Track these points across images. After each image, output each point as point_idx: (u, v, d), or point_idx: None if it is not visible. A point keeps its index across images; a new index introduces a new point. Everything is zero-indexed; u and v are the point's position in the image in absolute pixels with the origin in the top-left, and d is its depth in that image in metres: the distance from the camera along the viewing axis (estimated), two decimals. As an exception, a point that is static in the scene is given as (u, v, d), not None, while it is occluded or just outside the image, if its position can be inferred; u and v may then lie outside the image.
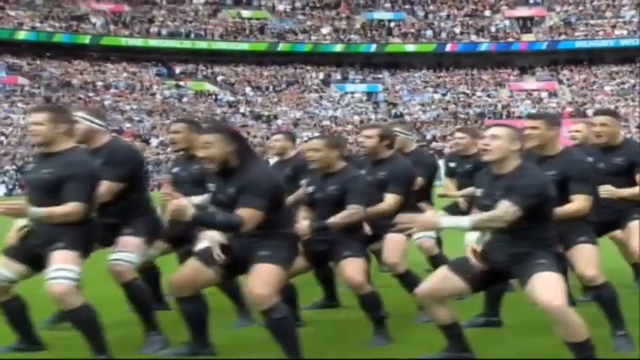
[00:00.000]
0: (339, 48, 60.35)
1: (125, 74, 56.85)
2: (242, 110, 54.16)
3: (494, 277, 5.33)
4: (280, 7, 63.63)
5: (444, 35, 61.08)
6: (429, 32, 61.31)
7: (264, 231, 5.21)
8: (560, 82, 58.74)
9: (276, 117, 52.86)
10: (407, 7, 64.08)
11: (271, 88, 58.07)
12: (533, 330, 6.47)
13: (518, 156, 5.18)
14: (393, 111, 55.11)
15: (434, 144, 47.79)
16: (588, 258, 5.88)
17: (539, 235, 5.07)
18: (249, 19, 61.91)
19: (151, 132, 49.47)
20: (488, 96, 57.74)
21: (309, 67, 60.38)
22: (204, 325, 5.60)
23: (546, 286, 4.86)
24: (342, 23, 62.13)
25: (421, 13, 63.47)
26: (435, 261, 7.86)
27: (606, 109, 6.77)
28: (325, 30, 61.33)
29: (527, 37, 60.60)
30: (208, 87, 57.21)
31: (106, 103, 51.82)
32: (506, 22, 61.87)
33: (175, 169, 6.96)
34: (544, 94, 57.47)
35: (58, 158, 5.26)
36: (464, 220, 5.04)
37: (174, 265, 7.13)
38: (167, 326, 6.07)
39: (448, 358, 5.45)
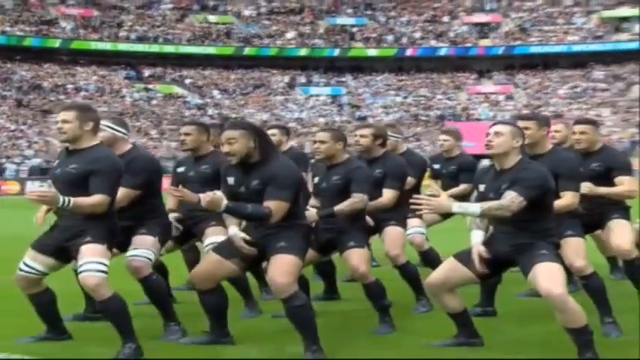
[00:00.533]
0: (303, 52, 60.45)
1: (95, 77, 56.46)
2: (210, 112, 54.02)
3: (498, 266, 5.50)
4: (246, 13, 63.61)
5: (404, 40, 61.33)
6: (390, 37, 61.54)
7: (281, 222, 5.33)
8: (516, 85, 59.17)
9: (243, 119, 52.83)
10: (368, 12, 64.36)
11: (238, 90, 58.02)
12: (524, 318, 6.69)
13: (519, 152, 5.37)
14: (357, 113, 55.28)
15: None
16: (577, 250, 6.15)
17: (540, 226, 5.24)
18: (216, 24, 61.88)
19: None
20: (448, 99, 58.01)
21: (274, 71, 60.36)
22: (223, 315, 5.71)
23: (547, 276, 5.01)
24: (306, 28, 62.26)
25: (382, 19, 63.74)
26: (425, 256, 8.03)
27: (586, 119, 6.99)
28: (290, 35, 61.40)
29: (485, 43, 61.00)
30: (177, 90, 57.01)
31: (77, 105, 51.39)
32: (464, 28, 62.27)
33: (181, 169, 7.05)
34: (501, 97, 57.85)
35: (84, 154, 5.34)
36: (473, 207, 5.17)
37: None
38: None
39: (459, 343, 5.61)
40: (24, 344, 5.71)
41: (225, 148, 5.38)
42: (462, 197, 8.56)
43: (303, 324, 5.27)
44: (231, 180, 5.48)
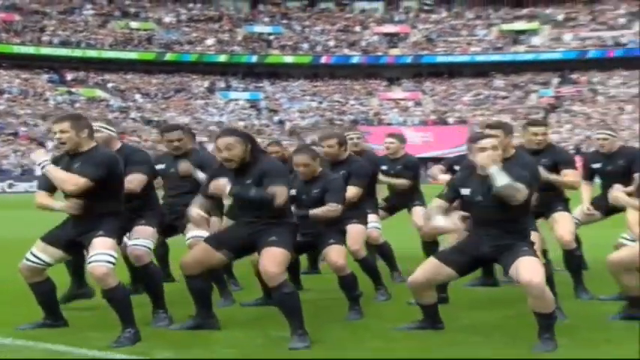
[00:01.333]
0: (222, 58, 60.40)
1: (18, 80, 55.29)
2: (132, 115, 53.55)
3: (477, 263, 5.89)
4: (166, 20, 63.19)
5: (319, 48, 61.88)
6: (306, 45, 61.98)
7: (272, 220, 5.62)
8: (424, 92, 60.29)
9: (165, 122, 52.44)
10: (284, 22, 64.63)
11: (160, 95, 57.62)
12: (475, 305, 7.08)
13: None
14: (275, 117, 55.56)
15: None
16: (568, 224, 7.21)
17: (520, 227, 5.58)
18: (137, 30, 61.26)
19: (46, 135, 48.27)
20: (361, 104, 58.76)
21: (194, 76, 60.16)
22: (209, 299, 5.97)
23: (528, 268, 5.34)
24: (225, 35, 62.20)
25: (298, 28, 64.10)
26: (381, 249, 8.39)
27: (538, 120, 7.65)
28: (209, 41, 61.26)
29: (394, 52, 61.99)
30: (99, 93, 56.26)
31: (1, 107, 50.35)
32: (375, 38, 63.12)
33: (161, 166, 7.31)
34: (410, 103, 58.90)
35: (87, 155, 5.56)
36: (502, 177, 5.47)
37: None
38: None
39: (423, 327, 5.95)
40: (23, 330, 5.86)
41: (224, 154, 5.63)
42: (403, 191, 9.02)
43: (291, 310, 5.53)
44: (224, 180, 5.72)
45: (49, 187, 5.66)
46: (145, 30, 61.43)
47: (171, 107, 56.00)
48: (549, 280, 6.47)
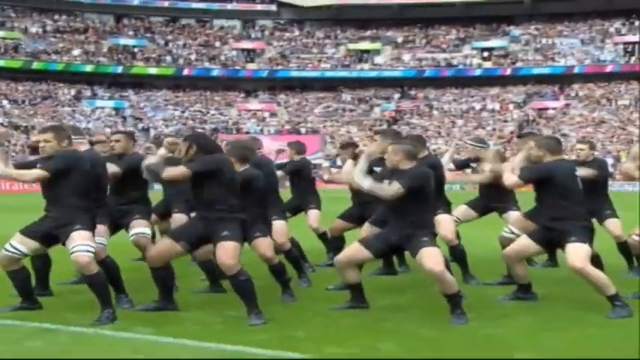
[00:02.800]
0: (89, 68, 58.89)
1: None
2: (0, 121, 51.51)
3: (390, 250, 6.52)
4: (33, 30, 61.18)
5: (181, 61, 61.52)
6: (169, 58, 61.49)
7: (225, 215, 6.00)
8: (279, 104, 60.97)
9: (33, 127, 50.80)
10: (148, 35, 63.80)
11: (27, 101, 55.70)
12: (387, 290, 7.69)
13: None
14: (140, 125, 54.84)
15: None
16: (449, 224, 8.03)
17: (421, 219, 6.15)
18: (4, 38, 58.89)
19: None
20: (220, 114, 58.83)
21: (61, 84, 58.49)
22: (171, 287, 6.35)
23: (430, 257, 5.95)
24: (90, 46, 60.76)
25: (161, 41, 63.45)
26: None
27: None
28: (76, 52, 59.70)
29: (251, 66, 62.33)
30: (-34, 99, 53.86)
31: None
32: (234, 53, 63.27)
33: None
34: (266, 114, 59.48)
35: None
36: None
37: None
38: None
39: (353, 306, 6.51)
40: (3, 313, 6.08)
41: (177, 154, 6.06)
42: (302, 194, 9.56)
43: (247, 294, 5.97)
44: None
45: None
46: (11, 39, 59.14)
47: (38, 114, 54.24)
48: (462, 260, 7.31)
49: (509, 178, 6.56)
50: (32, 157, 7.92)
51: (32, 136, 46.91)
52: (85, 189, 5.93)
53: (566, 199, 6.35)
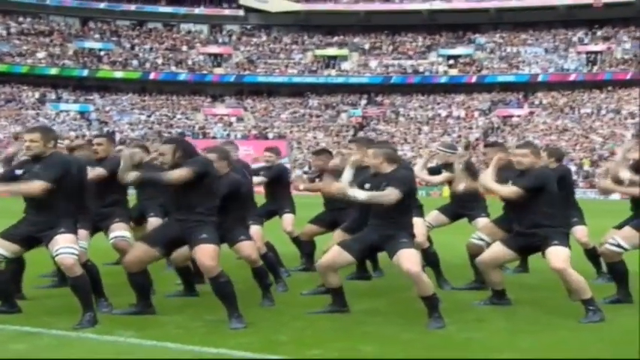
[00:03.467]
0: (53, 71, 58.34)
1: None
2: (-37, 123, 50.92)
3: (370, 250, 6.61)
4: (-4, 31, 60.52)
5: (148, 65, 61.17)
6: (135, 62, 61.11)
7: (202, 218, 6.06)
8: (245, 109, 60.89)
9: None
10: (114, 39, 63.35)
11: (-10, 104, 55.09)
12: (364, 294, 7.76)
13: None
14: (105, 129, 54.37)
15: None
16: (421, 228, 7.97)
17: (402, 220, 6.29)
18: (-33, 40, 58.29)
19: None
20: (187, 118, 58.59)
21: (25, 87, 57.85)
22: (148, 291, 6.38)
23: (408, 258, 6.06)
24: (56, 49, 60.19)
25: (127, 45, 63.03)
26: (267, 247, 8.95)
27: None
28: (41, 54, 59.11)
29: (218, 71, 62.21)
30: None
31: None
32: (201, 57, 63.06)
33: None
34: (233, 119, 59.36)
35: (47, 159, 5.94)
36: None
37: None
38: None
39: (333, 310, 6.58)
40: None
41: (161, 159, 6.13)
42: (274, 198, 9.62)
43: (227, 296, 6.01)
44: None
45: None
46: (-26, 41, 58.53)
47: (2, 116, 53.66)
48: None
49: (505, 190, 6.58)
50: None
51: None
52: (71, 193, 5.96)
53: (553, 206, 6.51)
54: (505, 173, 6.81)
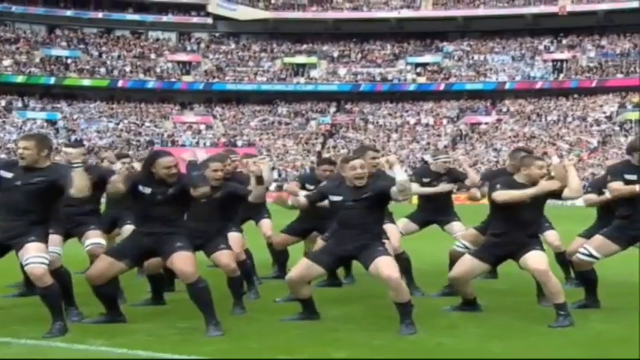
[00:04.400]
0: (20, 79, 57.61)
1: None
2: None
3: (341, 261, 6.61)
4: (-39, 39, 59.76)
5: (116, 73, 60.71)
6: (103, 70, 60.61)
7: (173, 229, 6.08)
8: (215, 117, 60.66)
9: (-38, 139, 49.64)
10: (82, 46, 62.79)
11: (-45, 112, 54.31)
12: (335, 301, 7.76)
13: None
14: (73, 137, 53.85)
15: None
16: (395, 234, 8.11)
17: (376, 229, 6.33)
18: None
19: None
20: (155, 126, 58.25)
21: (-9, 95, 57.23)
22: (116, 300, 6.35)
23: (386, 266, 6.09)
24: (22, 57, 59.52)
25: (95, 53, 62.50)
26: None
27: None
28: (7, 62, 58.40)
29: (187, 79, 61.85)
30: None
31: None
32: (169, 65, 62.65)
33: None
34: (202, 127, 59.09)
35: (49, 171, 5.90)
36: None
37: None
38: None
39: (304, 317, 6.57)
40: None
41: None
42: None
43: (205, 302, 5.99)
44: (147, 190, 6.13)
45: None
46: (-61, 48, 57.70)
47: (-33, 124, 52.99)
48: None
49: (514, 194, 6.57)
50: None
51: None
52: (49, 202, 5.91)
53: (541, 214, 6.78)
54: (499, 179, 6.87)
